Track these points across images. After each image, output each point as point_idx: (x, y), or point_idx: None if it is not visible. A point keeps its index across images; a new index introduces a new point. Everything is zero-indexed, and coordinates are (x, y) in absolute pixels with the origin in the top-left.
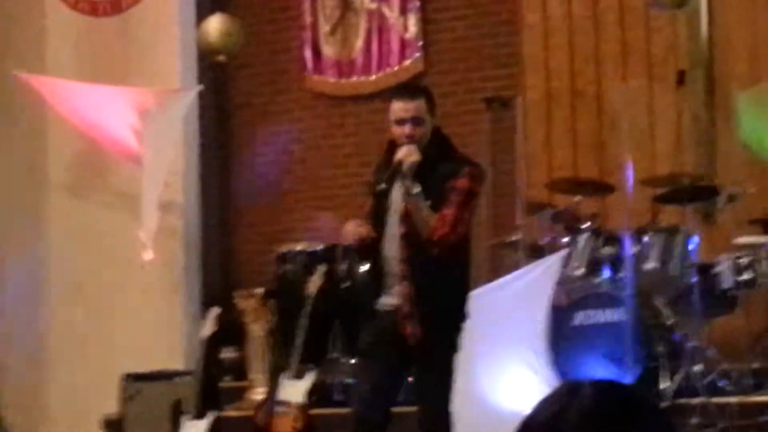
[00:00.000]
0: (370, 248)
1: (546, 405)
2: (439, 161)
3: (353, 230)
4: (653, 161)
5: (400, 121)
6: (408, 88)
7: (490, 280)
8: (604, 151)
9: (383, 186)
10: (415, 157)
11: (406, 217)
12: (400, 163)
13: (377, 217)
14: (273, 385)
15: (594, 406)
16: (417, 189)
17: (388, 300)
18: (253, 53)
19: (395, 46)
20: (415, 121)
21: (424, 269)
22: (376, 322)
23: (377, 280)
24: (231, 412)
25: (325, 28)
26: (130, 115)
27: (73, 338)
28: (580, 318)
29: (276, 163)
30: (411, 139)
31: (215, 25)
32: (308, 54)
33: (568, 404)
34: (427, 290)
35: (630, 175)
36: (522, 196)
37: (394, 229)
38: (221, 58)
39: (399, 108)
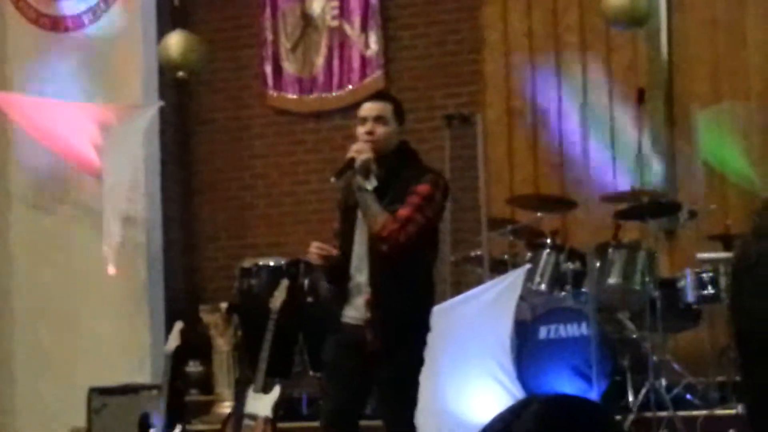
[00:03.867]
0: (338, 269)
1: (496, 422)
2: (402, 169)
3: (317, 251)
4: (614, 178)
5: (363, 120)
6: (378, 93)
7: (453, 294)
8: (565, 167)
9: (333, 179)
10: (367, 154)
11: (364, 213)
12: (353, 159)
13: (345, 234)
14: (239, 399)
15: (536, 425)
16: (368, 185)
17: (352, 312)
18: (214, 69)
19: (356, 63)
20: (377, 119)
21: (386, 278)
22: (340, 335)
23: (343, 293)
24: (198, 426)
25: (286, 45)
26: (92, 131)
27: (38, 353)
28: (544, 332)
29: (237, 179)
30: (370, 135)
31: (176, 41)
32: (269, 71)
33: (512, 422)
34: (388, 298)
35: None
36: (484, 211)
37: (361, 244)
38: (182, 74)
39: (365, 107)
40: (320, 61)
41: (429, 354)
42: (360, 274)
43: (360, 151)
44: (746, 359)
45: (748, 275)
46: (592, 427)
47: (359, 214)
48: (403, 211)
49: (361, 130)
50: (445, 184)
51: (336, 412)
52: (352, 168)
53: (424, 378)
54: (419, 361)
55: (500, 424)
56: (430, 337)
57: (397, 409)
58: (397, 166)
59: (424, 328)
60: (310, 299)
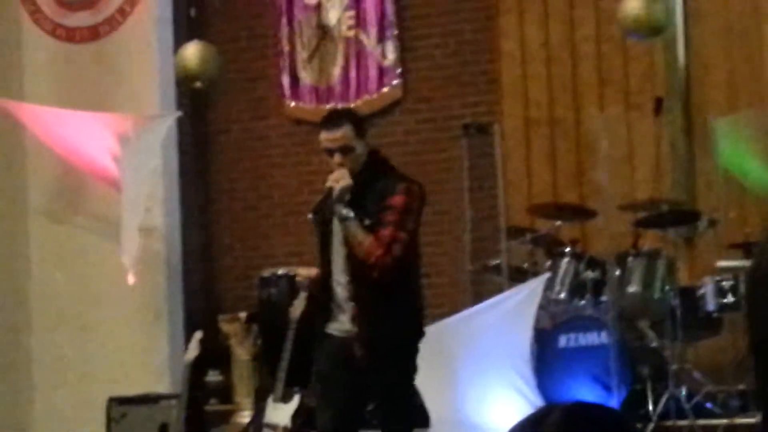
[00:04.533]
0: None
1: (515, 431)
2: (375, 181)
3: (302, 275)
4: (632, 187)
5: (329, 152)
6: (331, 117)
7: (472, 303)
8: (584, 176)
9: (310, 216)
10: (346, 181)
11: (347, 239)
12: (331, 189)
13: (324, 247)
14: (259, 409)
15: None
16: (349, 214)
17: (338, 326)
18: (231, 80)
19: (373, 72)
20: (343, 149)
21: (368, 291)
22: (329, 347)
23: (327, 306)
24: None
25: (302, 54)
26: (109, 141)
27: (57, 362)
28: (564, 341)
29: (255, 188)
30: (342, 167)
31: (193, 51)
32: (286, 80)
33: (533, 430)
34: (372, 312)
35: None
36: (503, 220)
37: (339, 256)
38: (199, 84)
39: (324, 139)
40: (337, 71)
41: (448, 363)
42: (341, 287)
43: (338, 179)
44: (763, 368)
45: (763, 284)
46: None
47: (335, 227)
48: (385, 232)
49: (330, 162)
50: (420, 189)
51: (332, 424)
52: (331, 197)
53: (443, 387)
54: (413, 369)
55: None
56: (450, 346)
57: (394, 420)
58: (369, 178)
59: (414, 335)
60: None
